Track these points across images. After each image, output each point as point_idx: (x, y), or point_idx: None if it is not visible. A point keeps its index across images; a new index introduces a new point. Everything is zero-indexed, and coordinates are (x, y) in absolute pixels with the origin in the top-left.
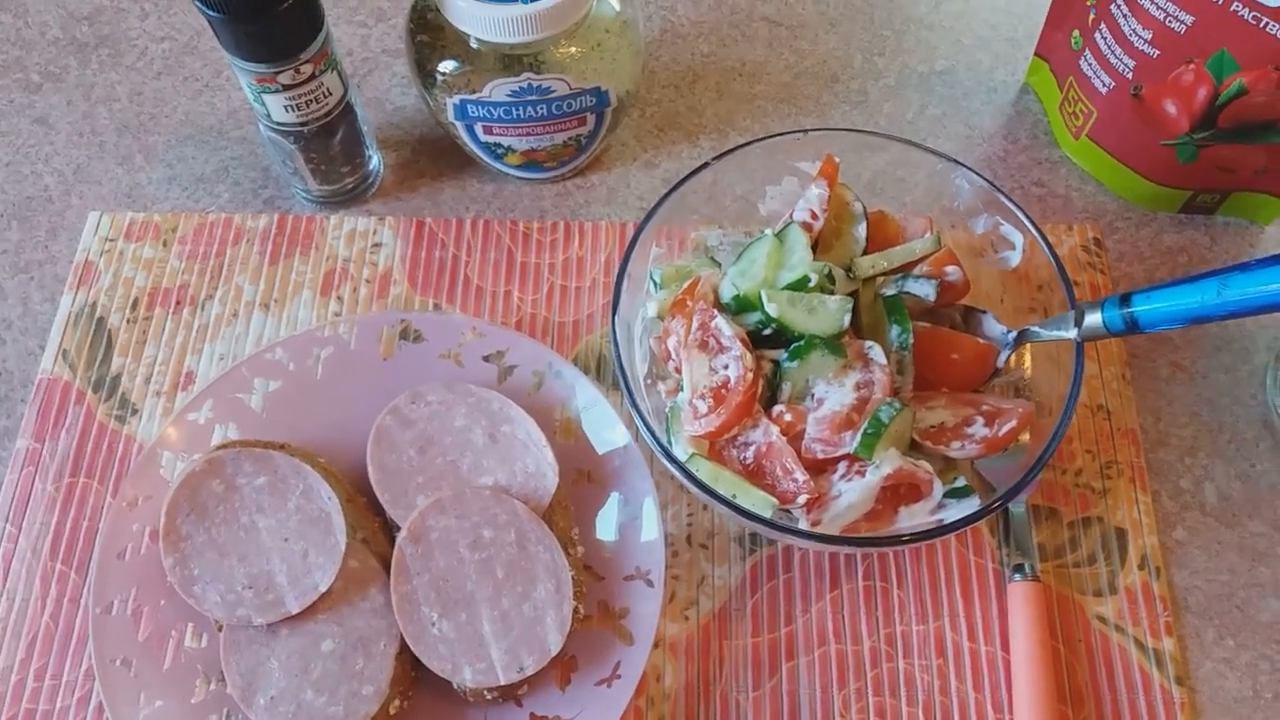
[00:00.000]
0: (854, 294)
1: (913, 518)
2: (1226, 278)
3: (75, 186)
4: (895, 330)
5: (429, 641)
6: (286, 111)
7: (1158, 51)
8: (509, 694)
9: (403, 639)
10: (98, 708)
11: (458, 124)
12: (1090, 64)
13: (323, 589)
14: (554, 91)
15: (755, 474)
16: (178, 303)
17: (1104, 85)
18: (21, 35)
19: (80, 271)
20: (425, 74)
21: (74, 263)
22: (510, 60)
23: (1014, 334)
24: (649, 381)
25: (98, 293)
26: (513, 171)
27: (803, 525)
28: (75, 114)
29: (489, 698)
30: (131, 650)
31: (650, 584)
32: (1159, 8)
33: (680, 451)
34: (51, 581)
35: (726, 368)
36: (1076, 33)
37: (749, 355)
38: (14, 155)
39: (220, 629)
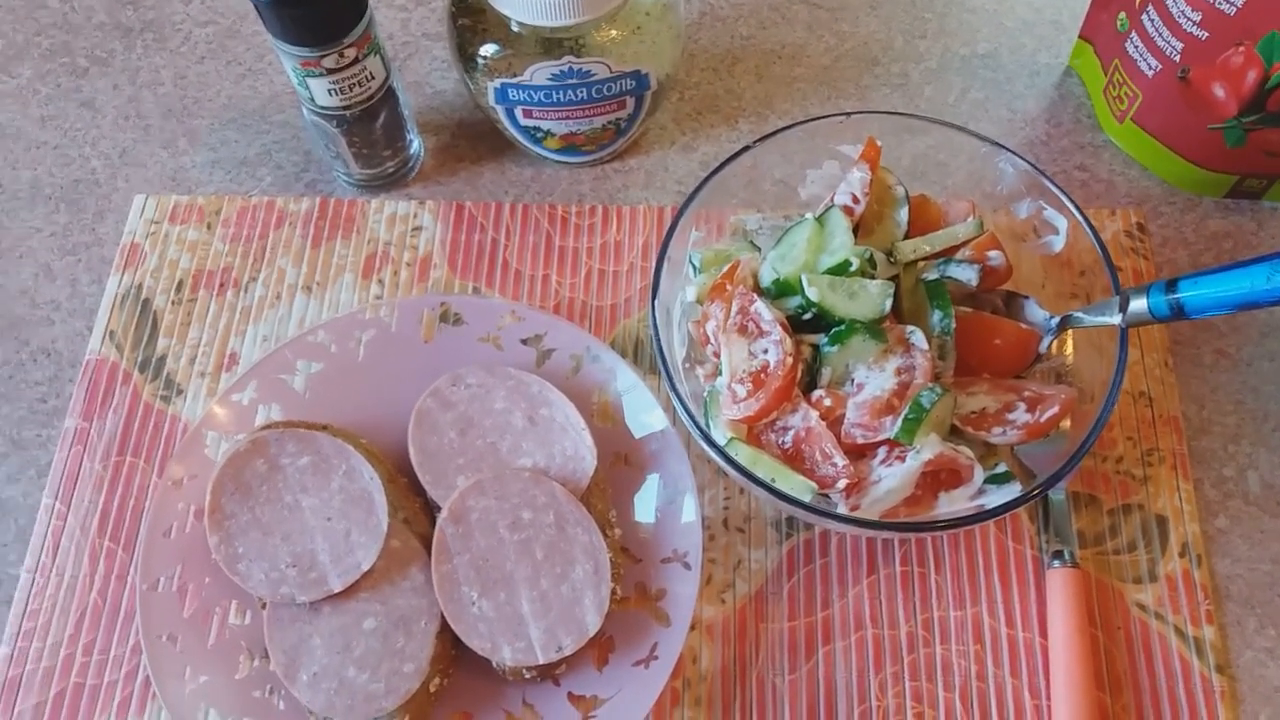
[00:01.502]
0: (895, 278)
1: (952, 503)
2: (1278, 263)
3: (121, 170)
4: (937, 315)
5: (469, 620)
6: (330, 95)
7: (1207, 34)
8: (547, 673)
9: (443, 618)
10: (144, 682)
11: (498, 108)
12: (1136, 46)
13: (365, 568)
14: (594, 75)
15: (794, 458)
16: (221, 285)
17: (1150, 68)
18: (68, 20)
19: (126, 254)
20: (466, 58)
21: (120, 245)
22: (551, 44)
23: (1056, 319)
24: (687, 366)
25: (143, 275)
26: (552, 155)
27: (841, 510)
28: (121, 98)
29: (527, 677)
30: (177, 626)
31: (687, 567)
32: None
33: (719, 435)
34: (100, 558)
35: (766, 352)
36: (1123, 15)
37: (789, 339)
38: (62, 139)
39: (264, 606)
